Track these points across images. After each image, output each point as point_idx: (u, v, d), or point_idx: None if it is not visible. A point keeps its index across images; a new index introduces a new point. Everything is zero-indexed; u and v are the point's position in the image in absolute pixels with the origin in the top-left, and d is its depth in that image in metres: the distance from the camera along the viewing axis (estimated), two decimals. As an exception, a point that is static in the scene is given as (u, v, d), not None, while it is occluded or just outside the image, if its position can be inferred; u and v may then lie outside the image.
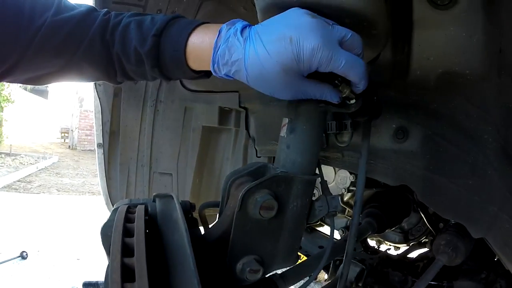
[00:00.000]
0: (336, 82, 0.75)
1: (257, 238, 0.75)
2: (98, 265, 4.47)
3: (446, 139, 1.05)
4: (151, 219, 0.76)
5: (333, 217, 0.85)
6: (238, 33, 0.76)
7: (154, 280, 0.53)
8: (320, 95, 0.76)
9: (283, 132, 0.81)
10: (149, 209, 0.79)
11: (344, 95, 0.77)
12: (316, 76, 0.75)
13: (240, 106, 1.85)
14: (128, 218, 0.69)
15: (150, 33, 0.85)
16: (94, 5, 1.50)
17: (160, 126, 1.98)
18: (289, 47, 0.70)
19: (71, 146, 20.52)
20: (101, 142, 2.03)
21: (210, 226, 0.93)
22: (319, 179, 0.86)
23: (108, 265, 0.67)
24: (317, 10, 0.76)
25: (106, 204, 2.15)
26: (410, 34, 1.01)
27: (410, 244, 2.12)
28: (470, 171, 1.02)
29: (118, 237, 0.60)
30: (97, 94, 1.96)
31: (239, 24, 0.78)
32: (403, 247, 2.22)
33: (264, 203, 0.71)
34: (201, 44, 0.82)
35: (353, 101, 0.80)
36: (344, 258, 0.90)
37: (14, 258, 4.63)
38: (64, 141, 23.55)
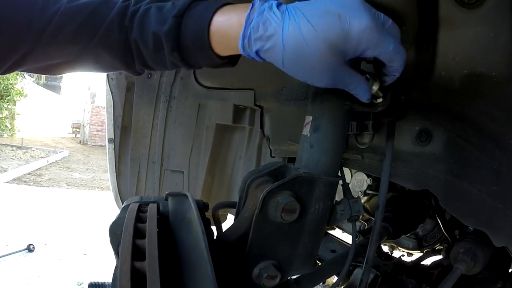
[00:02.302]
0: (367, 76, 0.72)
1: (276, 242, 0.71)
2: (104, 261, 4.47)
3: (470, 143, 1.00)
4: (162, 218, 0.72)
5: (355, 222, 0.81)
6: (274, 7, 0.69)
7: (166, 286, 0.49)
8: (354, 87, 0.70)
9: (306, 131, 0.77)
10: (161, 207, 0.76)
11: (373, 93, 0.74)
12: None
13: (255, 104, 1.81)
14: (140, 218, 0.65)
15: (170, 14, 0.80)
16: None
17: (172, 123, 1.95)
18: (338, 23, 0.65)
19: (82, 141, 20.62)
20: (112, 137, 2.02)
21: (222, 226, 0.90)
22: (340, 181, 0.82)
23: (116, 266, 0.63)
24: None
25: (115, 200, 2.13)
26: (435, 33, 0.98)
27: (424, 251, 2.08)
28: (494, 176, 0.98)
29: (128, 238, 0.56)
30: (110, 88, 1.94)
31: (274, 0, 0.71)
32: (417, 254, 2.17)
33: (286, 206, 0.66)
34: (228, 21, 0.75)
35: (380, 100, 0.76)
36: (364, 265, 0.86)
37: (21, 251, 4.66)
38: (75, 136, 23.67)
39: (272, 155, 1.78)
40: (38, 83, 21.12)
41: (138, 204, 0.73)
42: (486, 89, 0.96)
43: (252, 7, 0.72)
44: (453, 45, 0.97)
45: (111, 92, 1.94)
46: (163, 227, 0.68)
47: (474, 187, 1.00)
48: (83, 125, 21.07)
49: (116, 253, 0.70)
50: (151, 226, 0.60)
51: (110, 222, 0.73)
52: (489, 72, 0.94)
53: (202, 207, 0.83)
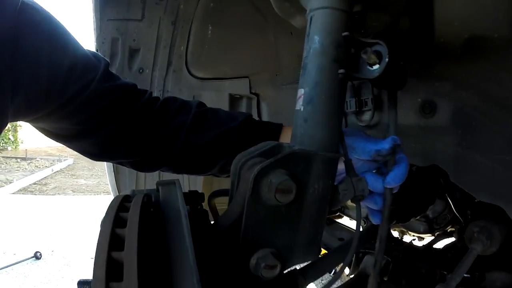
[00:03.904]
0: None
1: (273, 227, 0.64)
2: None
3: (478, 111, 0.95)
4: (158, 210, 0.66)
5: (359, 202, 0.74)
6: None
7: (147, 279, 0.43)
8: None
9: (299, 105, 0.70)
10: (153, 199, 0.70)
11: (370, 61, 0.68)
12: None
13: (251, 92, 1.78)
14: (123, 207, 0.59)
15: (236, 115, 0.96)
16: None
17: (167, 117, 1.90)
18: None
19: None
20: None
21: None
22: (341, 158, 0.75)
23: None
24: None
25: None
26: (431, -4, 0.92)
27: (435, 234, 2.02)
28: (506, 145, 0.92)
29: (107, 226, 0.50)
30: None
31: None
32: (428, 238, 2.11)
33: (280, 185, 0.59)
34: None
35: (376, 67, 0.69)
36: (376, 245, 0.79)
37: (28, 259, 4.71)
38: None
39: (272, 143, 1.72)
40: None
41: (125, 195, 0.67)
42: (489, 52, 0.91)
43: None
44: (451, 9, 0.92)
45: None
46: (156, 219, 0.62)
47: (487, 158, 0.95)
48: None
49: None
50: (132, 214, 0.54)
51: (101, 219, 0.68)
52: (491, 35, 0.89)
53: (196, 197, 0.77)
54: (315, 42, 0.69)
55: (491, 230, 1.17)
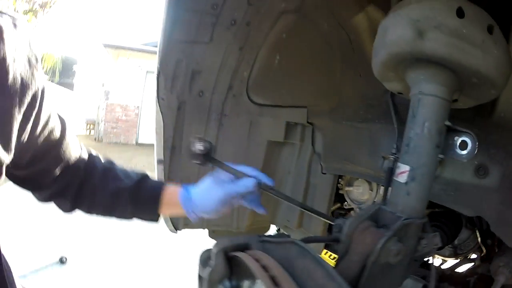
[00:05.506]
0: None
1: (382, 280, 0.83)
2: (139, 271, 4.28)
3: (522, 179, 1.11)
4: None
5: (434, 252, 0.93)
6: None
7: None
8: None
9: (403, 179, 0.89)
10: (252, 247, 0.78)
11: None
12: None
13: (307, 122, 1.85)
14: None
15: (133, 178, 1.14)
16: (166, 13, 1.55)
17: (223, 140, 1.92)
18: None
19: (96, 139, 20.64)
20: (162, 158, 1.95)
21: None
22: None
23: None
24: (454, 67, 0.85)
25: (166, 223, 2.11)
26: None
27: (458, 258, 2.17)
28: None
29: None
30: (160, 108, 1.84)
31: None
32: (450, 261, 2.26)
33: (395, 251, 0.79)
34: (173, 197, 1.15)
35: (465, 152, 0.89)
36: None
37: (53, 264, 4.29)
38: (89, 133, 23.68)
39: (323, 172, 1.85)
40: (51, 80, 21.28)
41: (254, 257, 0.71)
42: None
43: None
44: None
45: (161, 113, 1.85)
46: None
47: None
48: (98, 123, 21.12)
49: None
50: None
51: (205, 270, 0.74)
52: None
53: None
54: (424, 127, 0.88)
55: (513, 266, 1.36)
